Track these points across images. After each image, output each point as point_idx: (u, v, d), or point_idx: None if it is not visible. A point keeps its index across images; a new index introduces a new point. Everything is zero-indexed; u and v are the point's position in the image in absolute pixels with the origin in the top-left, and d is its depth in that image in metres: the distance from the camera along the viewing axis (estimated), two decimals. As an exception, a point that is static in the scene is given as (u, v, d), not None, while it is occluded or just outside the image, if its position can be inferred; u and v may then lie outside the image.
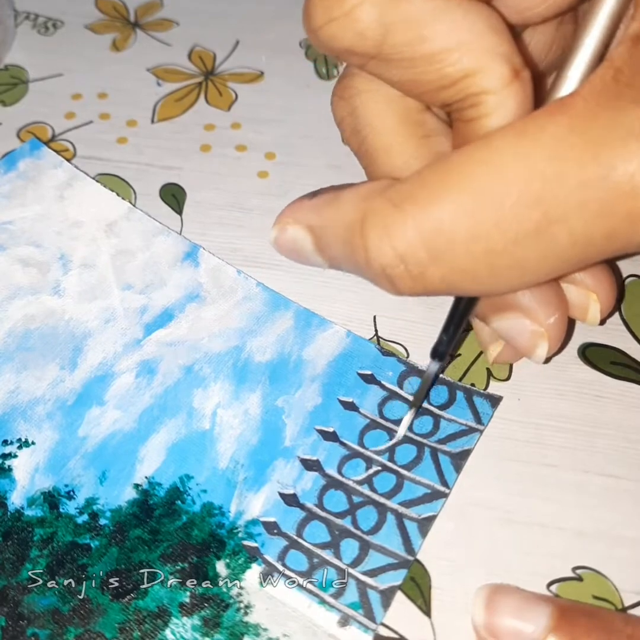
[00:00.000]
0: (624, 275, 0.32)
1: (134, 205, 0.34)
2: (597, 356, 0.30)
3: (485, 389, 0.29)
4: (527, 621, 0.23)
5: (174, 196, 0.35)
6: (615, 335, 0.31)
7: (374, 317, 0.31)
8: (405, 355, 0.30)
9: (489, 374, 0.30)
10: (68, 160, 0.35)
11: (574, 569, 0.26)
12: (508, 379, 0.30)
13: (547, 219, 0.20)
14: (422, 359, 0.30)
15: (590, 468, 0.28)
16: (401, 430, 0.28)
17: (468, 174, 0.20)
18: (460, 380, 0.29)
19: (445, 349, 0.26)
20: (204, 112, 0.38)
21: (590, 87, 0.20)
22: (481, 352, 0.30)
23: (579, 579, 0.26)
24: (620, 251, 0.21)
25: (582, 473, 0.27)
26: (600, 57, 0.22)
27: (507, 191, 0.20)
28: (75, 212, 0.33)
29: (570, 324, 0.30)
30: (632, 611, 0.25)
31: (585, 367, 0.30)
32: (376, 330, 0.31)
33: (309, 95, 0.38)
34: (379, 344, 0.30)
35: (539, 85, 0.23)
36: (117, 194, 0.34)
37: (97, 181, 0.34)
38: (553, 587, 0.25)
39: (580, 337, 0.31)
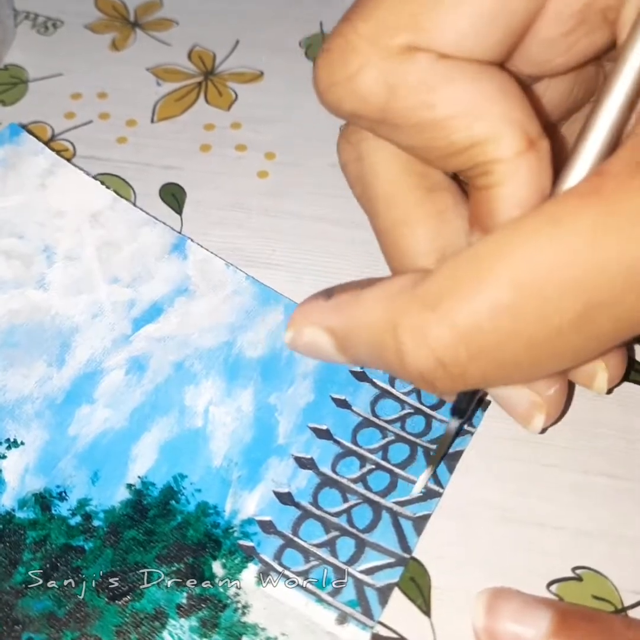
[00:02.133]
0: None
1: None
2: None
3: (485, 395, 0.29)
4: (528, 625, 0.23)
5: (173, 196, 0.34)
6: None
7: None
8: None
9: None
10: (67, 160, 0.34)
11: (574, 568, 0.26)
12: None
13: (591, 307, 0.19)
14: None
15: (590, 468, 0.28)
16: (417, 487, 0.27)
17: (502, 266, 0.19)
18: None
19: (465, 407, 0.26)
20: (204, 111, 0.37)
21: (618, 165, 0.19)
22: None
23: (579, 578, 0.26)
24: None
25: (582, 473, 0.28)
26: (615, 138, 0.21)
27: (547, 283, 0.19)
28: (58, 202, 0.32)
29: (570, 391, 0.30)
30: (631, 611, 0.25)
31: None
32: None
33: (309, 95, 0.37)
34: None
35: (555, 138, 0.22)
36: (102, 183, 0.33)
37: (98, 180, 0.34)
38: (553, 587, 0.26)
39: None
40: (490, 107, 0.20)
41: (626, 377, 0.30)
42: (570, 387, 0.29)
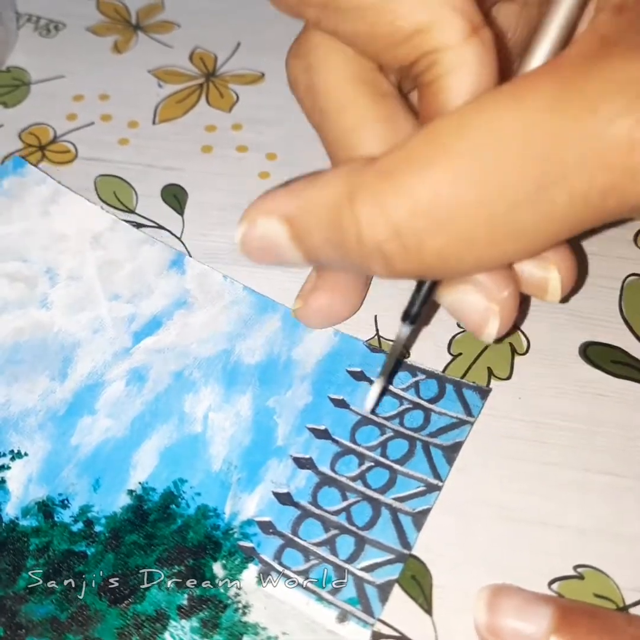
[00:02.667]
0: (624, 274, 0.32)
1: (134, 207, 0.34)
2: (598, 355, 0.30)
3: (487, 387, 0.29)
4: (529, 622, 0.23)
5: (175, 197, 0.35)
6: (616, 333, 0.31)
7: (375, 317, 0.31)
8: (406, 354, 0.30)
9: (490, 372, 0.30)
10: (69, 162, 0.35)
11: (575, 567, 0.26)
12: (509, 377, 0.30)
13: (547, 177, 0.19)
14: (422, 358, 0.30)
15: (591, 466, 0.28)
16: (368, 403, 0.27)
17: (464, 136, 0.19)
18: (462, 378, 0.29)
19: (417, 312, 0.25)
20: (205, 113, 0.38)
21: (577, 49, 0.20)
22: (481, 352, 0.30)
23: (580, 577, 0.25)
24: (614, 212, 0.20)
25: (583, 471, 0.27)
26: (568, 34, 0.22)
27: (507, 151, 0.19)
28: (61, 226, 0.33)
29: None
30: (633, 609, 0.25)
31: (586, 365, 0.30)
32: (377, 331, 0.31)
33: None
34: (379, 344, 0.30)
35: (504, 60, 0.22)
36: (101, 207, 0.34)
37: (97, 183, 0.35)
38: (554, 586, 0.25)
39: (580, 335, 0.31)
40: None
41: (579, 286, 0.30)
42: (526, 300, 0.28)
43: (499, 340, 0.27)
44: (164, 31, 0.41)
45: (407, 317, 0.25)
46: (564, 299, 0.28)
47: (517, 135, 0.19)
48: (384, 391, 0.28)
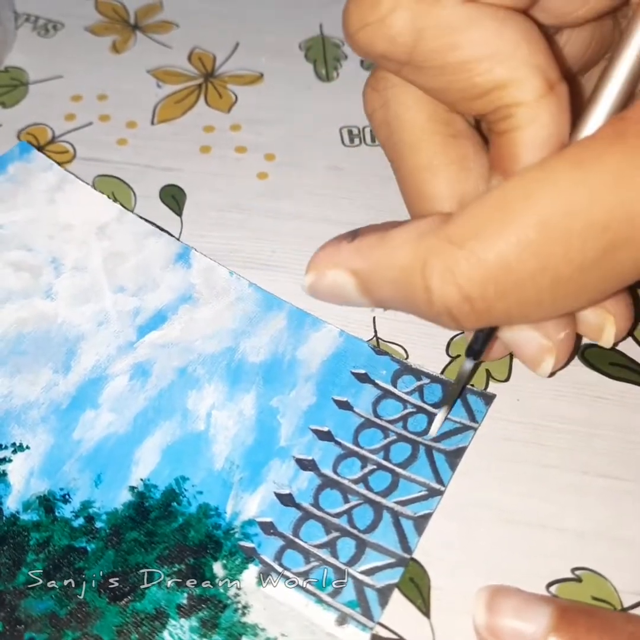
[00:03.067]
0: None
1: (132, 207, 0.34)
2: (596, 357, 0.30)
3: (485, 389, 0.29)
4: (528, 621, 0.23)
5: (173, 197, 0.35)
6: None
7: (374, 319, 0.31)
8: (405, 356, 0.30)
9: (488, 374, 0.30)
10: (68, 162, 0.35)
11: (573, 570, 0.26)
12: (507, 379, 0.30)
13: (612, 246, 0.20)
14: (421, 360, 0.30)
15: (589, 469, 0.28)
16: (434, 428, 0.28)
17: (528, 206, 0.20)
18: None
19: (480, 348, 0.26)
20: (204, 113, 0.38)
21: (638, 111, 0.20)
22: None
23: (578, 580, 0.26)
24: None
25: (582, 474, 0.28)
26: (632, 87, 0.22)
27: (572, 223, 0.19)
28: (66, 216, 0.33)
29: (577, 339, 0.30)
30: (631, 611, 0.25)
31: (584, 368, 0.30)
32: (376, 332, 0.31)
33: (309, 96, 0.38)
34: (378, 345, 0.30)
35: (574, 88, 0.23)
36: (113, 198, 0.34)
37: (95, 183, 0.34)
38: (552, 588, 0.25)
39: (580, 338, 0.30)
40: (512, 51, 0.21)
41: (631, 333, 0.31)
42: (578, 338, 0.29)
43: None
44: (163, 31, 0.41)
45: (471, 353, 0.26)
46: (615, 344, 0.29)
47: (583, 209, 0.19)
48: (445, 419, 0.29)
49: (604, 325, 0.26)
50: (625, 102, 0.22)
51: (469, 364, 0.27)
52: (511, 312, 0.21)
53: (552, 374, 0.28)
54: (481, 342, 0.26)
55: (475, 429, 0.28)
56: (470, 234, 0.20)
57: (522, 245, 0.20)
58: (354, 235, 0.23)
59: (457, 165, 0.25)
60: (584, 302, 0.22)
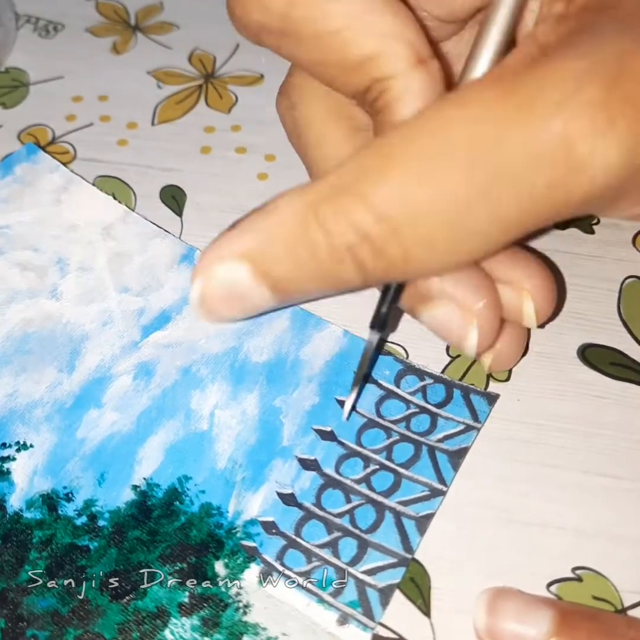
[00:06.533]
0: (623, 276, 0.32)
1: (132, 208, 0.34)
2: (596, 357, 0.30)
3: (485, 389, 0.29)
4: (529, 625, 0.23)
5: (174, 198, 0.35)
6: (614, 336, 0.31)
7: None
8: (405, 356, 0.30)
9: (489, 374, 0.30)
10: (68, 162, 0.35)
11: (574, 569, 0.26)
12: (508, 379, 0.30)
13: (493, 178, 0.20)
14: (421, 360, 0.30)
15: (590, 468, 0.27)
16: (345, 413, 0.28)
17: (411, 144, 0.21)
18: (460, 380, 0.29)
19: (385, 319, 0.26)
20: (204, 114, 0.38)
21: (516, 57, 0.21)
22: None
23: (579, 579, 0.25)
24: (564, 208, 0.21)
25: (582, 473, 0.27)
26: (506, 44, 0.23)
27: (452, 157, 0.20)
28: (72, 216, 0.33)
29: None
30: (631, 611, 0.25)
31: (584, 367, 0.30)
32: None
33: None
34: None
35: (447, 71, 0.24)
36: (114, 198, 0.34)
37: (96, 184, 0.35)
38: (553, 588, 0.25)
39: (579, 338, 0.30)
40: (380, 23, 0.22)
41: (558, 311, 0.31)
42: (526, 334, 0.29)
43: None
44: (163, 32, 0.41)
45: (375, 325, 0.26)
46: (542, 325, 0.29)
47: (461, 142, 0.20)
48: (359, 397, 0.29)
49: (522, 307, 0.26)
50: (503, 52, 0.23)
51: (374, 336, 0.27)
52: (409, 252, 0.21)
53: (482, 356, 0.28)
54: (384, 312, 0.26)
55: (478, 429, 0.28)
56: (356, 179, 0.21)
57: (407, 180, 0.20)
58: (233, 224, 0.23)
59: None
60: (477, 244, 0.22)
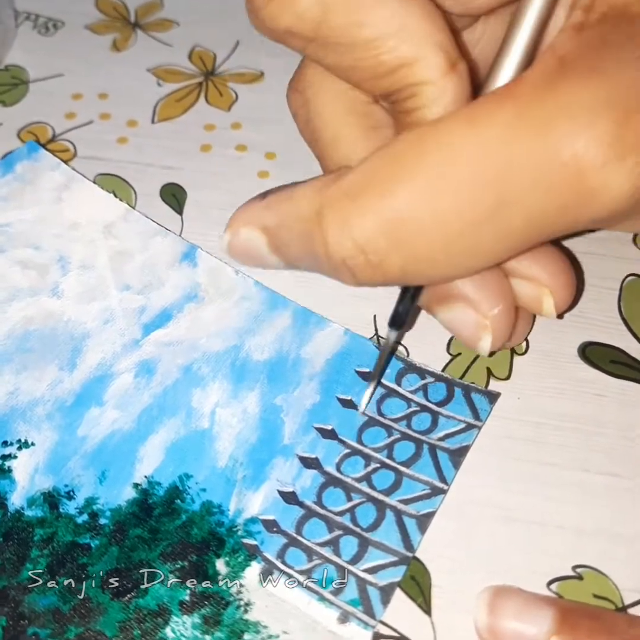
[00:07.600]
0: (623, 274, 0.32)
1: (133, 206, 0.34)
2: (596, 355, 0.30)
3: (486, 388, 0.29)
4: (530, 623, 0.23)
5: (174, 196, 0.35)
6: (615, 334, 0.31)
7: (374, 317, 0.31)
8: (405, 354, 0.30)
9: (489, 372, 0.30)
10: (68, 160, 0.35)
11: (574, 567, 0.26)
12: (508, 377, 0.30)
13: (502, 201, 0.20)
14: (422, 358, 0.30)
15: (590, 466, 0.28)
16: (362, 405, 0.28)
17: (421, 160, 0.20)
18: (460, 378, 0.29)
19: (403, 318, 0.26)
20: (205, 112, 0.38)
21: (534, 73, 0.21)
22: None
23: (579, 577, 0.25)
24: (572, 228, 0.21)
25: (582, 471, 0.27)
26: (531, 52, 0.22)
27: (462, 176, 0.20)
28: (73, 214, 0.33)
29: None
30: (632, 609, 0.25)
31: (585, 365, 0.30)
32: (376, 330, 0.31)
33: None
34: (379, 343, 0.30)
35: (472, 67, 0.23)
36: (115, 195, 0.34)
37: (96, 182, 0.35)
38: (553, 586, 0.25)
39: (580, 336, 0.30)
40: (416, 29, 0.22)
41: (576, 301, 0.31)
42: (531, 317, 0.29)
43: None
44: (163, 29, 0.41)
45: (393, 323, 0.26)
46: (560, 315, 0.29)
47: (471, 161, 0.20)
48: (374, 391, 0.29)
49: (541, 299, 0.26)
50: (526, 65, 0.22)
51: (393, 334, 0.27)
52: (406, 268, 0.21)
53: (492, 354, 0.28)
54: (404, 311, 0.26)
55: (479, 428, 0.28)
56: (363, 187, 0.21)
57: (412, 197, 0.20)
58: (265, 194, 0.24)
59: None
60: (480, 261, 0.22)
